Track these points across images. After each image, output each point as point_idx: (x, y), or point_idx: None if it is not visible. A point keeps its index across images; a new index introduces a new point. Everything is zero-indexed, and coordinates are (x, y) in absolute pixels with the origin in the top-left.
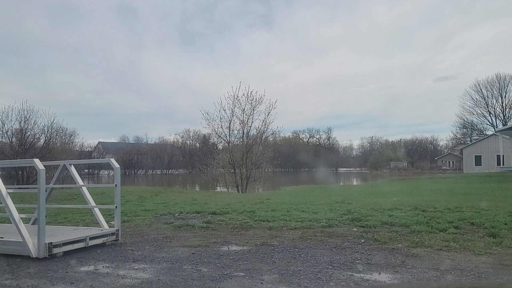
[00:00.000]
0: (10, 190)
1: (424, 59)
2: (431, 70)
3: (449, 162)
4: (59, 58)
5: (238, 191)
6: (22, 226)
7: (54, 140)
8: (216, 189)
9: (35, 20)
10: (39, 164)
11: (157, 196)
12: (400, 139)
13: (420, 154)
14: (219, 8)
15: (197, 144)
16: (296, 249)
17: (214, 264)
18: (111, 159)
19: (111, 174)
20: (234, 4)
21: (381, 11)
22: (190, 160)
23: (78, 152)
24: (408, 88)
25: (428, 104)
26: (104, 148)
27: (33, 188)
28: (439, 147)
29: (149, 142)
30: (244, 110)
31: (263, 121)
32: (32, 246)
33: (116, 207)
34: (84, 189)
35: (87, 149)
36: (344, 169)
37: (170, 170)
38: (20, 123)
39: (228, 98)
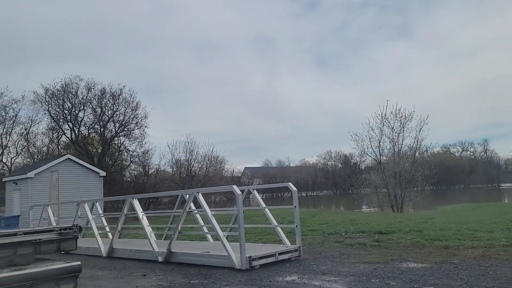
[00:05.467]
0: (214, 212)
1: None
2: None
3: None
4: (205, 91)
5: (393, 211)
6: (226, 242)
7: (212, 168)
8: (362, 209)
9: (184, 60)
10: (236, 189)
11: (315, 217)
12: None
13: None
14: (352, 25)
15: (339, 165)
16: (482, 267)
17: (400, 279)
18: (289, 183)
19: (264, 196)
20: (368, 19)
21: None
22: (334, 181)
23: (230, 178)
24: None
25: None
26: (250, 173)
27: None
28: None
29: (291, 165)
30: (393, 128)
31: (415, 138)
32: (236, 259)
33: (296, 226)
34: (267, 210)
35: (237, 175)
36: (508, 184)
37: (314, 192)
38: (186, 154)
39: (376, 117)
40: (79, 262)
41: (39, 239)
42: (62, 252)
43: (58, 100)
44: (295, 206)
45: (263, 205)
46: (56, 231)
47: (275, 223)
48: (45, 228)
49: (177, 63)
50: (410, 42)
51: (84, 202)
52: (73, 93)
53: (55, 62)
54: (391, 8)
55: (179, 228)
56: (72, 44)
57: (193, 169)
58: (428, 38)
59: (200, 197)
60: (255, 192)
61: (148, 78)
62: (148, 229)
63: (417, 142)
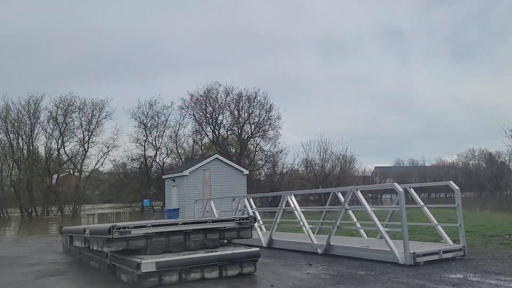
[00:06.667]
0: (373, 208)
1: None
2: None
3: None
4: (334, 90)
5: None
6: (388, 238)
7: (345, 167)
8: None
9: (311, 59)
10: (398, 187)
11: (466, 219)
12: None
13: None
14: (497, 8)
15: (483, 164)
16: None
17: None
18: (450, 182)
19: (393, 197)
20: None
21: None
22: (477, 181)
23: (361, 178)
24: None
25: None
26: (381, 173)
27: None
28: None
29: (425, 164)
30: None
31: None
32: (399, 255)
33: (460, 225)
34: (425, 208)
35: (367, 174)
36: None
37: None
38: (319, 153)
39: None
40: (258, 248)
41: (224, 227)
42: (225, 241)
43: (201, 105)
44: (458, 205)
45: (421, 203)
46: (236, 220)
47: (435, 222)
48: (227, 218)
49: (304, 63)
50: None
51: (244, 197)
52: (214, 98)
53: (199, 68)
54: None
55: (338, 223)
56: (211, 50)
57: (326, 168)
58: None
59: (359, 194)
60: (412, 191)
61: (278, 79)
62: (306, 223)
63: None
